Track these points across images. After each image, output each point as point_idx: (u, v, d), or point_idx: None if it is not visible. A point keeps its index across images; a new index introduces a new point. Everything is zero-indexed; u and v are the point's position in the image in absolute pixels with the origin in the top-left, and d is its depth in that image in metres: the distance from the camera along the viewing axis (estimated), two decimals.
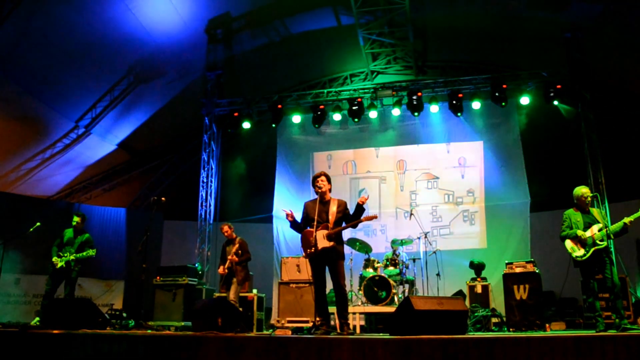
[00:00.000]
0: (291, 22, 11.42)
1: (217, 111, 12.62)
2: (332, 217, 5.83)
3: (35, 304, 10.20)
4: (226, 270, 7.94)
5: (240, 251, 7.97)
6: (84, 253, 7.86)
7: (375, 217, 6.02)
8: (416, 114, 11.49)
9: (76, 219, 8.10)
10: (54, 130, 11.37)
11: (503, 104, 10.99)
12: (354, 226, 6.02)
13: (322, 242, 5.74)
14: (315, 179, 6.00)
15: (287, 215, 5.95)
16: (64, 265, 7.80)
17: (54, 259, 7.83)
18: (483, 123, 11.80)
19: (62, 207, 11.72)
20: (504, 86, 10.96)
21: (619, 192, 10.21)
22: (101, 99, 11.58)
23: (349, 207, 6.02)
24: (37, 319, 7.64)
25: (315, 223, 5.77)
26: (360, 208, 5.82)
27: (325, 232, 5.78)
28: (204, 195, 12.43)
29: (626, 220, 5.82)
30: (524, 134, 11.53)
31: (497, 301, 8.86)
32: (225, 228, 8.26)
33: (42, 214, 9.62)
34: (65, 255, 7.85)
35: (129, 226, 11.88)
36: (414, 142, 12.23)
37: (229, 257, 7.95)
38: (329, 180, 6.01)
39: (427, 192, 12.00)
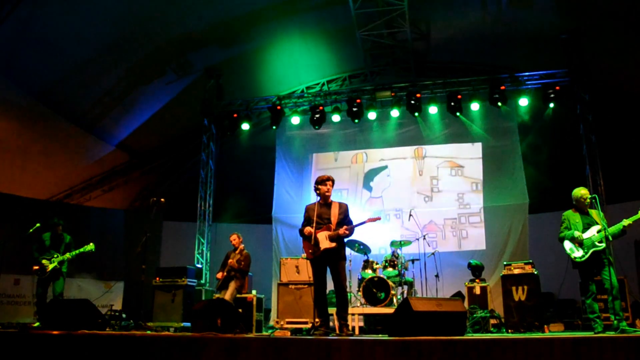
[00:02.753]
0: (290, 24, 11.43)
1: (216, 112, 12.64)
2: (334, 218, 5.88)
3: (35, 305, 10.20)
4: (224, 274, 8.05)
5: (243, 262, 8.08)
6: (82, 249, 7.94)
7: (378, 218, 6.11)
8: (417, 114, 11.53)
9: (60, 222, 8.19)
10: (52, 131, 11.37)
11: (500, 104, 11.02)
12: (349, 230, 5.97)
13: (325, 243, 5.79)
14: (321, 182, 5.99)
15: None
16: (57, 265, 7.87)
17: (44, 261, 7.88)
18: (482, 124, 11.80)
19: (61, 208, 11.70)
20: (502, 87, 10.98)
21: (618, 194, 10.22)
22: (101, 99, 11.58)
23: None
24: (38, 324, 7.69)
25: (314, 224, 5.80)
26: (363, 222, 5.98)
27: (327, 233, 5.82)
28: (203, 196, 12.44)
29: (625, 222, 5.83)
30: (522, 135, 11.55)
31: (496, 302, 8.86)
32: (234, 236, 8.44)
33: (42, 215, 9.60)
34: (55, 256, 7.90)
35: (129, 227, 11.86)
36: (413, 143, 12.18)
37: (230, 260, 8.07)
38: (332, 183, 6.06)
39: (451, 178, 11.73)
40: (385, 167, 12.23)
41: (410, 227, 10.90)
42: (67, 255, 7.95)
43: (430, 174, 11.88)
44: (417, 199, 11.75)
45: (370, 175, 12.31)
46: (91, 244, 8.03)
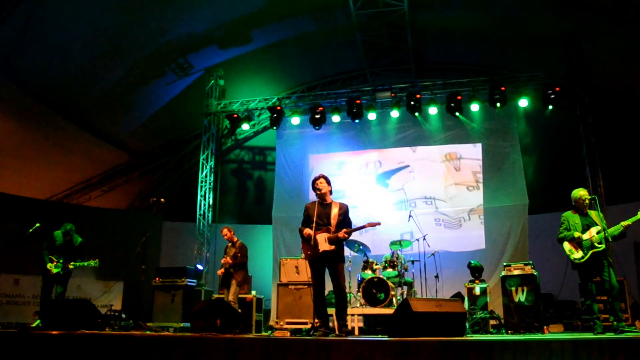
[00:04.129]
0: (290, 24, 11.44)
1: (216, 113, 12.64)
2: (334, 220, 5.79)
3: (34, 305, 10.21)
4: (223, 270, 8.05)
5: (239, 254, 8.06)
6: (86, 263, 7.96)
7: (378, 224, 6.05)
8: (417, 114, 11.53)
9: (72, 230, 8.20)
10: (52, 131, 11.37)
11: (498, 105, 11.03)
12: (348, 234, 5.86)
13: (324, 246, 5.72)
14: (314, 181, 5.98)
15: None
16: (60, 272, 7.86)
17: (49, 265, 7.88)
18: (482, 125, 11.79)
19: (61, 208, 11.70)
20: (502, 88, 10.98)
21: (618, 195, 10.22)
22: (101, 99, 11.58)
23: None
24: (39, 321, 7.68)
25: (314, 225, 5.75)
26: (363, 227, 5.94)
27: (326, 235, 5.74)
28: (202, 196, 12.45)
29: (623, 223, 5.81)
30: (522, 135, 11.56)
31: (495, 303, 8.87)
32: (225, 231, 8.39)
33: (42, 215, 9.61)
34: (60, 260, 7.90)
35: (129, 227, 11.87)
36: (415, 144, 12.15)
37: (223, 259, 8.06)
38: (328, 182, 5.98)
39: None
40: (407, 166, 12.10)
41: (447, 212, 11.26)
42: (70, 265, 7.97)
43: (472, 170, 11.75)
44: (456, 189, 11.67)
45: (385, 175, 12.16)
46: (96, 259, 8.00)
